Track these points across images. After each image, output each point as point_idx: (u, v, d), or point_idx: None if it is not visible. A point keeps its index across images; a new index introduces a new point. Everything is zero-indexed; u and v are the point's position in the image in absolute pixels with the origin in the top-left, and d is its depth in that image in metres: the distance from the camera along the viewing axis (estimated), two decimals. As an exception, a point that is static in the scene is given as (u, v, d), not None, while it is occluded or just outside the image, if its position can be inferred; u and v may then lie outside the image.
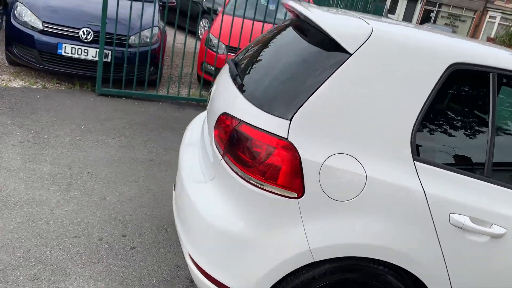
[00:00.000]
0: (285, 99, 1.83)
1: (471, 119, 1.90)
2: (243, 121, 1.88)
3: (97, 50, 5.22)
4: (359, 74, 1.79)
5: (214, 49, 6.07)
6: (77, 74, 5.38)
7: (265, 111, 1.84)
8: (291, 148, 1.75)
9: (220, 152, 1.99)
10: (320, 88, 1.78)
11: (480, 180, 1.84)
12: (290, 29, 2.35)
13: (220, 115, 2.08)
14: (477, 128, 1.89)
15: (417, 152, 1.81)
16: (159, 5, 6.21)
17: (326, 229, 1.77)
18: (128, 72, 5.47)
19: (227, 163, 1.92)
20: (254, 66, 2.23)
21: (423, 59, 1.82)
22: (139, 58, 5.35)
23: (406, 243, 1.80)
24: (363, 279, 1.86)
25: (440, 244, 1.81)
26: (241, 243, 1.83)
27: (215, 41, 6.13)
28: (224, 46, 6.06)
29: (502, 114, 2.01)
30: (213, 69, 6.02)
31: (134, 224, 2.99)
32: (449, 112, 1.89)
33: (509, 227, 1.82)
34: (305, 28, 2.17)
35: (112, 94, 5.41)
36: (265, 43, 2.45)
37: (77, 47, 5.19)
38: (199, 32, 10.54)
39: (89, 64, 5.31)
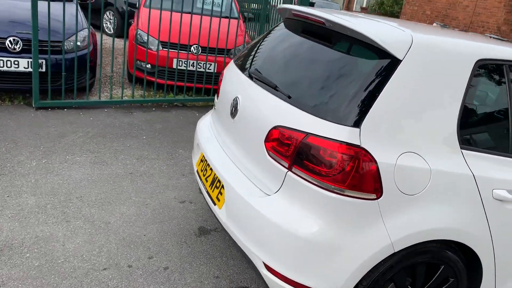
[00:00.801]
0: (349, 107, 1.95)
1: (496, 106, 2.21)
2: (310, 133, 1.97)
3: (30, 60, 4.75)
4: (411, 79, 1.98)
5: (146, 45, 5.85)
6: (8, 89, 4.86)
7: (331, 121, 1.95)
8: (366, 154, 1.90)
9: (283, 165, 2.07)
10: (381, 94, 1.94)
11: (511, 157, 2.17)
12: (304, 35, 2.46)
13: (272, 129, 2.14)
14: (503, 112, 2.21)
15: (462, 142, 2.07)
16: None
17: (404, 221, 1.97)
18: (65, 80, 5.07)
19: (297, 174, 2.00)
20: (288, 75, 2.31)
21: (456, 57, 2.07)
22: (77, 64, 4.98)
23: (464, 221, 2.08)
24: (430, 259, 2.10)
25: (486, 217, 2.12)
26: (326, 247, 1.95)
27: (145, 37, 5.89)
28: (156, 41, 5.88)
29: None
30: (148, 66, 5.82)
31: (154, 244, 2.92)
32: (479, 103, 2.18)
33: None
34: (332, 35, 2.29)
35: (51, 106, 5.00)
36: (280, 50, 2.53)
37: (5, 58, 4.67)
38: (105, 26, 9.95)
39: (22, 76, 4.82)
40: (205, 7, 6.70)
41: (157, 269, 2.68)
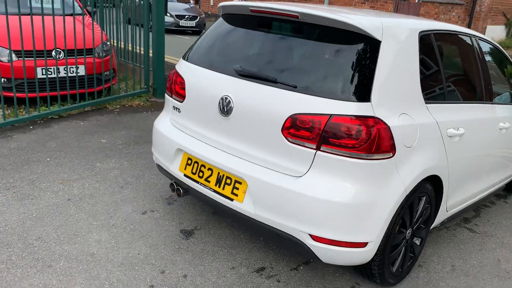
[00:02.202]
0: (358, 86, 2.33)
1: (434, 66, 2.85)
2: (333, 114, 2.29)
3: None
4: (390, 55, 2.45)
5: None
6: None
7: (347, 101, 2.30)
8: (381, 122, 2.31)
9: (309, 147, 2.34)
10: (376, 71, 2.36)
11: (454, 103, 2.87)
12: (269, 29, 2.69)
13: (288, 117, 2.38)
14: (438, 70, 2.87)
15: (424, 98, 2.66)
16: None
17: (409, 169, 2.48)
18: None
19: (326, 152, 2.31)
20: (281, 68, 2.54)
21: (408, 32, 2.62)
22: None
23: (438, 157, 2.70)
24: (419, 194, 2.67)
25: (446, 151, 2.79)
26: (364, 206, 2.33)
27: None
28: (7, 51, 5.15)
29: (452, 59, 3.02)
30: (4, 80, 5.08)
31: (154, 258, 2.85)
32: (424, 65, 2.78)
33: (466, 128, 2.94)
34: (305, 26, 2.58)
35: None
36: (251, 45, 2.73)
37: None
38: None
39: None
40: (42, 5, 6.02)
41: (179, 280, 2.68)
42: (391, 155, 2.36)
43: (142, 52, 6.48)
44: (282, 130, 2.41)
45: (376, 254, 2.51)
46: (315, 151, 2.33)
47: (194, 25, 15.38)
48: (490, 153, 3.46)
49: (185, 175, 2.87)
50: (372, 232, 2.39)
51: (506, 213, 4.12)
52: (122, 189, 3.74)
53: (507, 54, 3.97)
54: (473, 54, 3.34)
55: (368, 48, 2.41)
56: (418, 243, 2.91)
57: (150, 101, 6.44)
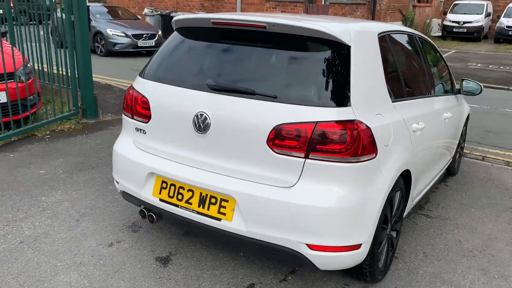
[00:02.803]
0: (338, 92, 2.37)
1: (392, 66, 2.97)
2: (318, 121, 2.30)
3: None
4: (360, 59, 2.52)
5: None
6: None
7: (327, 107, 2.33)
8: (363, 124, 2.37)
9: (297, 156, 2.33)
10: (351, 75, 2.42)
11: (412, 99, 3.02)
12: (233, 40, 2.64)
13: (273, 128, 2.35)
14: (396, 69, 3.01)
15: (391, 97, 2.77)
16: None
17: (389, 167, 2.56)
18: None
19: (315, 159, 2.31)
20: (256, 79, 2.50)
21: (369, 35, 2.72)
22: None
23: (408, 152, 2.83)
24: (395, 189, 2.76)
25: (412, 144, 2.93)
26: (357, 208, 2.37)
27: None
28: None
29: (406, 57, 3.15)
30: None
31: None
32: (385, 64, 2.89)
33: (424, 122, 3.11)
34: (273, 36, 2.56)
35: None
36: (218, 58, 2.67)
37: None
38: None
39: None
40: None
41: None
42: (374, 155, 2.42)
43: (64, 72, 6.05)
44: (267, 142, 2.37)
45: (367, 254, 2.56)
46: (304, 159, 2.33)
47: (153, 44, 13.21)
48: (439, 142, 3.70)
49: (160, 200, 2.71)
50: (364, 233, 2.44)
51: (450, 195, 4.44)
52: (78, 222, 3.45)
53: (438, 48, 4.28)
54: (418, 51, 3.56)
55: (341, 54, 2.46)
56: (395, 236, 3.02)
57: (81, 123, 6.03)
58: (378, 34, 2.82)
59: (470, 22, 20.77)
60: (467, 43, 20.39)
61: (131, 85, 3.02)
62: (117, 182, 3.05)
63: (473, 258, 3.25)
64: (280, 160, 2.37)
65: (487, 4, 21.88)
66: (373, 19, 16.87)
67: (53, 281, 2.74)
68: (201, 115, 2.53)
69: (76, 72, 6.00)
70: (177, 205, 2.64)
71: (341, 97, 2.36)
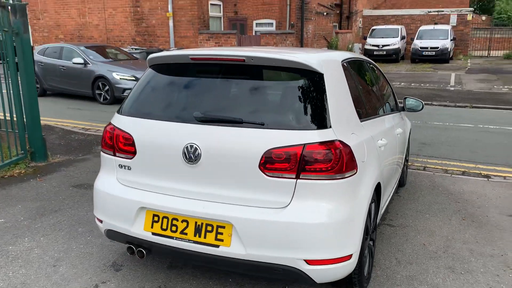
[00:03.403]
0: (319, 115, 2.59)
1: (355, 89, 3.26)
2: (306, 143, 2.49)
3: None
4: (332, 84, 2.77)
5: None
6: None
7: (312, 130, 2.54)
8: (345, 144, 2.59)
9: (289, 177, 2.50)
10: (328, 100, 2.65)
11: (374, 118, 3.32)
12: (211, 74, 2.81)
13: (264, 153, 2.51)
14: (362, 90, 3.30)
15: (359, 117, 3.04)
16: None
17: (367, 180, 2.81)
18: None
19: (305, 179, 2.50)
20: (241, 109, 2.66)
21: (335, 63, 2.99)
22: None
23: (378, 166, 3.10)
24: (371, 201, 3.01)
25: (379, 159, 3.21)
26: (347, 221, 2.57)
27: None
28: None
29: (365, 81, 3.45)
30: None
31: None
32: (350, 88, 3.16)
33: (385, 138, 3.42)
34: (250, 68, 2.75)
35: None
36: (202, 91, 2.80)
37: None
38: None
39: None
40: None
41: None
42: (355, 171, 2.65)
43: (9, 116, 5.81)
44: (259, 166, 2.52)
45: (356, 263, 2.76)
46: (296, 180, 2.50)
47: None
48: (395, 156, 4.05)
49: (153, 234, 2.74)
50: (354, 243, 2.63)
51: (405, 204, 4.81)
52: (55, 268, 3.34)
53: (383, 72, 4.71)
54: (370, 75, 3.91)
55: (316, 81, 2.69)
56: (373, 245, 3.26)
57: (31, 166, 5.80)
58: (341, 62, 3.11)
59: (388, 45, 22.48)
60: (388, 64, 22.00)
61: (110, 123, 3.05)
62: (101, 221, 3.02)
63: (439, 259, 3.56)
64: (273, 183, 2.52)
65: (401, 28, 23.85)
66: (301, 46, 17.75)
67: (45, 330, 2.65)
68: (191, 146, 2.63)
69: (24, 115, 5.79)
70: (171, 237, 2.69)
71: (322, 120, 2.58)
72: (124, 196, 2.84)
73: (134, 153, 2.84)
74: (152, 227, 2.75)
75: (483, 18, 34.09)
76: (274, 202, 2.53)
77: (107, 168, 3.02)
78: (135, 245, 2.88)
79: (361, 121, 3.05)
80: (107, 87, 11.10)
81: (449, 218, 4.39)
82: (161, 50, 16.34)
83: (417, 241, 3.89)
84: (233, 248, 2.55)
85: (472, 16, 25.88)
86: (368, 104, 3.45)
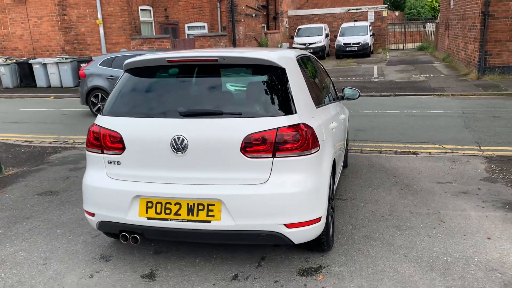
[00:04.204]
0: (287, 103, 3.07)
1: (309, 79, 3.78)
2: (278, 127, 2.97)
3: None
4: (292, 76, 3.26)
5: None
6: None
7: (281, 116, 3.02)
8: (308, 126, 3.10)
9: (266, 157, 2.96)
10: (291, 90, 3.14)
11: (326, 105, 3.87)
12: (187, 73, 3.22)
13: (244, 139, 2.95)
14: (315, 83, 3.82)
15: (315, 104, 3.56)
16: None
17: (327, 157, 3.34)
18: None
19: (280, 157, 2.97)
20: (220, 102, 3.08)
21: (293, 58, 3.50)
22: None
23: (332, 145, 3.65)
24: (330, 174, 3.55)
25: (332, 139, 3.76)
26: (317, 189, 3.09)
27: None
28: None
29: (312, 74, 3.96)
30: None
31: None
32: (305, 79, 3.67)
33: (336, 122, 3.99)
34: (221, 66, 3.18)
35: None
36: (179, 89, 3.20)
37: None
38: None
39: None
40: None
41: None
42: (318, 148, 3.17)
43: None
44: (240, 150, 2.95)
45: (324, 225, 3.27)
46: (272, 159, 2.96)
47: None
48: (342, 139, 4.65)
49: (148, 218, 3.07)
50: (322, 207, 3.15)
51: (350, 182, 5.44)
52: (46, 266, 3.55)
53: (323, 66, 5.30)
54: (316, 68, 4.47)
55: (279, 75, 3.17)
56: (333, 211, 3.81)
57: (-14, 180, 5.76)
58: (295, 58, 3.62)
59: (314, 43, 23.65)
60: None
61: (94, 124, 3.33)
62: (92, 215, 3.29)
63: (386, 221, 4.20)
64: (253, 163, 2.97)
65: (324, 26, 25.18)
66: (234, 46, 18.29)
67: (56, 315, 2.89)
68: (178, 138, 3.00)
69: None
70: (166, 219, 3.04)
71: (288, 107, 3.07)
72: (117, 188, 3.15)
73: (122, 149, 3.15)
74: (146, 212, 3.08)
75: (396, 13, 36.78)
76: (255, 179, 2.98)
77: (95, 165, 3.30)
78: (128, 232, 3.19)
79: (316, 108, 3.58)
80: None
81: (389, 189, 5.08)
82: (28, 61, 15.89)
83: (366, 209, 4.51)
84: (224, 221, 2.96)
85: (387, 13, 27.91)
86: (318, 93, 4.00)
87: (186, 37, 18.06)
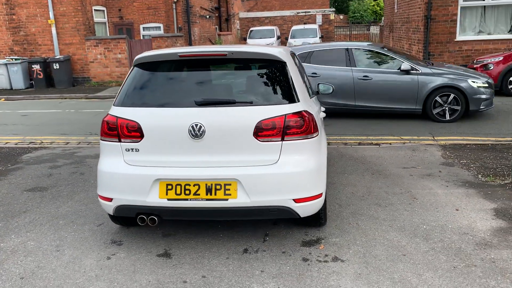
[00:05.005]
0: (291, 93, 3.46)
1: (301, 72, 4.18)
2: (286, 114, 3.35)
3: None
4: (291, 69, 3.65)
5: None
6: None
7: (287, 104, 3.40)
8: (309, 113, 3.50)
9: (276, 141, 3.33)
10: (293, 81, 3.54)
11: (313, 97, 4.30)
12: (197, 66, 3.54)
13: (256, 125, 3.30)
14: (303, 77, 4.23)
15: (309, 94, 3.98)
16: None
17: (324, 140, 3.77)
18: None
19: (288, 140, 3.35)
20: (232, 92, 3.42)
21: (290, 54, 3.90)
22: None
23: (323, 131, 4.08)
24: (324, 156, 3.99)
25: (322, 126, 4.19)
26: (320, 167, 3.50)
27: None
28: None
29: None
30: None
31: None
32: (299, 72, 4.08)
33: (323, 112, 4.43)
34: (230, 60, 3.53)
35: None
36: (194, 82, 3.51)
37: None
38: None
39: None
40: None
41: (199, 278, 3.20)
42: (318, 133, 3.58)
43: None
44: (253, 134, 3.31)
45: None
46: (281, 142, 3.34)
47: None
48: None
49: (168, 199, 3.35)
50: (322, 184, 3.57)
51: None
52: (60, 252, 3.71)
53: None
54: (300, 64, 4.90)
55: (281, 68, 3.56)
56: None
57: (-33, 179, 5.69)
58: (291, 52, 4.02)
59: (266, 45, 24.23)
60: (268, 62, 23.73)
61: (108, 114, 3.54)
62: (110, 200, 3.51)
63: (367, 200, 4.69)
64: (265, 146, 3.33)
65: (275, 29, 25.84)
66: (190, 48, 18.42)
67: (87, 292, 3.10)
68: (196, 125, 3.30)
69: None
70: (186, 199, 3.33)
71: (292, 96, 3.46)
72: (137, 173, 3.39)
73: (140, 137, 3.40)
74: (167, 194, 3.35)
75: (341, 17, 38.33)
76: (267, 160, 3.34)
77: (111, 153, 3.51)
78: (145, 215, 3.44)
79: (310, 98, 4.00)
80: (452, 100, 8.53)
81: (363, 175, 5.60)
82: (45, 59, 15.72)
83: (347, 191, 4.99)
84: (240, 199, 3.30)
85: (334, 16, 29.10)
86: (307, 86, 4.43)
87: (142, 38, 17.99)
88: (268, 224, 4.06)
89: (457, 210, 4.30)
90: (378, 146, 7.13)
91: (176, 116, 3.36)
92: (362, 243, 3.69)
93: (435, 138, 7.46)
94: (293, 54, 4.33)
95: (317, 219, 3.84)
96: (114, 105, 3.58)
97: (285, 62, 3.57)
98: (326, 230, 3.95)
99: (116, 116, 3.48)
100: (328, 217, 4.21)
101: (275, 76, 3.52)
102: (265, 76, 3.53)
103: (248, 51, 3.48)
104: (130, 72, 3.66)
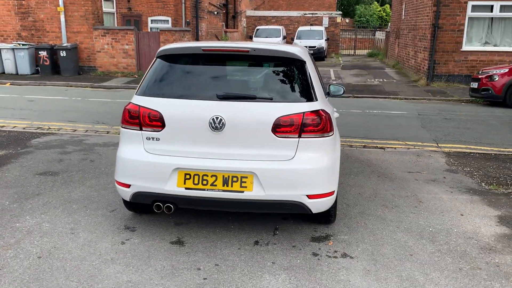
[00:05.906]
0: (309, 91, 3.55)
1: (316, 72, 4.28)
2: (304, 111, 3.45)
3: None
4: (310, 68, 3.75)
5: None
6: None
7: (306, 102, 3.50)
8: (326, 112, 3.60)
9: (293, 137, 3.43)
10: (311, 80, 3.63)
11: (328, 97, 4.40)
12: (219, 61, 3.63)
13: (274, 121, 3.40)
14: (320, 77, 4.33)
15: (326, 94, 4.07)
16: None
17: (337, 139, 3.86)
18: None
19: (305, 137, 3.44)
20: (252, 88, 3.51)
21: (308, 53, 3.99)
22: None
23: (337, 131, 4.17)
24: (337, 155, 4.09)
25: (336, 126, 4.29)
26: (335, 165, 3.60)
27: None
28: None
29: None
30: None
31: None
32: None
33: (337, 112, 4.52)
34: (251, 57, 3.62)
35: None
36: (213, 76, 3.60)
37: None
38: None
39: None
40: None
41: (212, 267, 3.29)
42: (333, 132, 3.68)
43: None
44: (271, 130, 3.40)
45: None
46: (298, 139, 3.43)
47: None
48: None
49: (186, 188, 3.44)
50: (335, 182, 3.66)
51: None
52: (75, 235, 3.79)
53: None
54: (315, 65, 4.99)
55: (301, 66, 3.66)
56: (334, 190, 4.34)
57: (-22, 160, 5.77)
58: (308, 52, 4.12)
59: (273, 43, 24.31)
60: (273, 61, 23.83)
61: (130, 103, 3.63)
62: (128, 186, 3.59)
63: (374, 201, 4.79)
64: (282, 142, 3.42)
65: (282, 28, 25.95)
66: (196, 44, 18.50)
67: (104, 273, 3.19)
68: (217, 118, 3.39)
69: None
70: (203, 189, 3.42)
71: (310, 95, 3.55)
72: (156, 161, 3.48)
73: (161, 126, 3.49)
74: (184, 183, 3.44)
75: (347, 20, 38.42)
76: (283, 156, 3.43)
77: (132, 140, 3.60)
78: (162, 202, 3.53)
79: (326, 97, 4.09)
80: None
81: (369, 177, 5.71)
82: (52, 46, 15.78)
83: (354, 191, 5.09)
84: (255, 191, 3.39)
85: (341, 19, 29.19)
86: (323, 86, 4.52)
87: (149, 30, 18.05)
88: (278, 219, 4.16)
89: (461, 215, 4.41)
90: (383, 150, 7.23)
91: (198, 108, 3.45)
92: (370, 241, 3.79)
93: (439, 145, 7.56)
94: (310, 54, 4.43)
95: (327, 216, 3.94)
96: (136, 94, 3.66)
97: (304, 61, 3.66)
98: (335, 227, 4.05)
99: (139, 105, 3.57)
100: (337, 215, 4.31)
101: (294, 74, 3.62)
102: (285, 74, 3.63)
103: (270, 48, 3.57)
104: (153, 63, 3.74)
